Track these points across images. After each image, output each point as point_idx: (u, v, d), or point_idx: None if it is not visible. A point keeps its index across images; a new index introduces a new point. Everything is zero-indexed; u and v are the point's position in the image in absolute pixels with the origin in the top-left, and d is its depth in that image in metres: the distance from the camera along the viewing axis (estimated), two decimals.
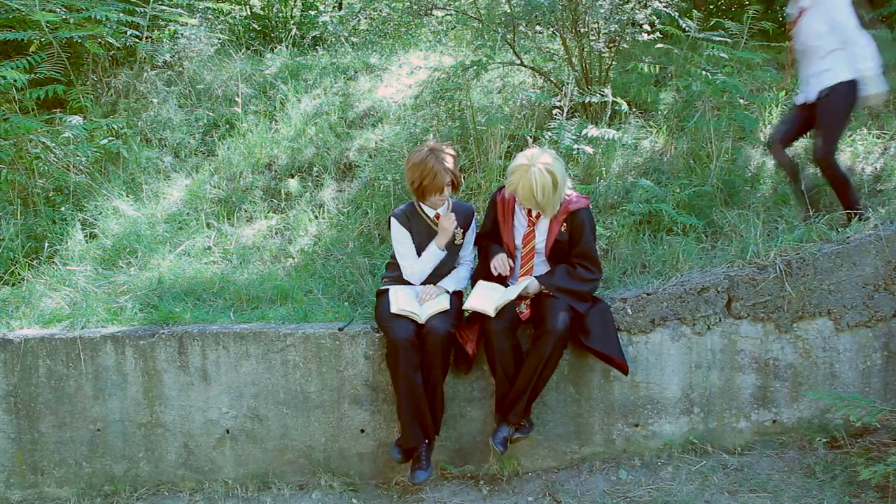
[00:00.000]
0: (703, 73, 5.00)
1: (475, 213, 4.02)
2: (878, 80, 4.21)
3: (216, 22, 7.43)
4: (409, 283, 3.88)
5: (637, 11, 5.69)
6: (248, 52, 7.03)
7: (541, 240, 3.78)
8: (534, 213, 3.75)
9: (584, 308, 3.69)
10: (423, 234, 3.87)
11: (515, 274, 3.84)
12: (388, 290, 3.82)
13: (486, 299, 3.65)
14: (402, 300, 3.71)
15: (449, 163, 3.71)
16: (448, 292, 3.83)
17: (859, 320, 4.03)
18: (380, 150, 5.71)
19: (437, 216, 3.85)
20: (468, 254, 4.00)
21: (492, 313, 3.61)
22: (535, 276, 3.75)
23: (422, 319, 3.64)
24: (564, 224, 3.73)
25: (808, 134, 4.61)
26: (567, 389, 3.96)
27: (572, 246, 3.74)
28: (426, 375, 3.64)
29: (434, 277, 3.90)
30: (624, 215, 4.62)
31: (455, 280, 3.91)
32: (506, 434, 3.65)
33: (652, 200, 4.59)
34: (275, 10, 7.95)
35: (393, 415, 3.85)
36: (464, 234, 3.90)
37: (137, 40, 6.02)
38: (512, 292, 3.67)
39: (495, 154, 5.13)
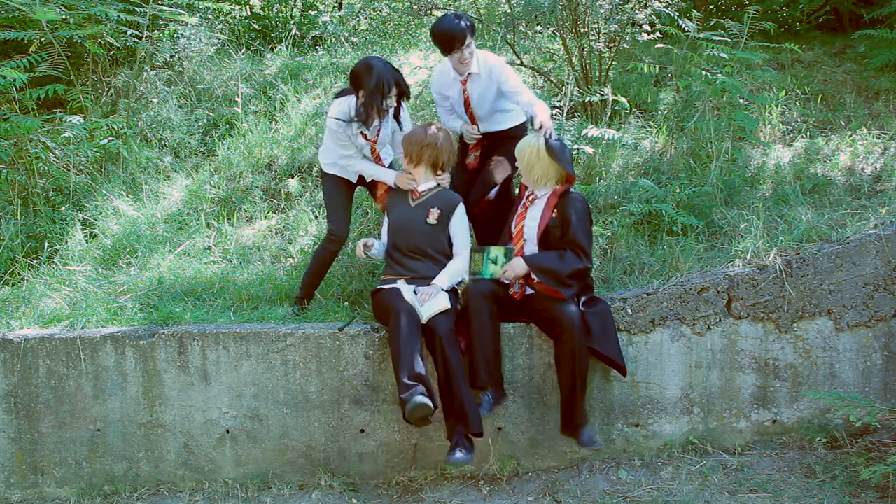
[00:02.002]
0: (703, 73, 5.00)
1: (461, 204, 4.02)
2: None
3: (216, 22, 7.40)
4: (404, 284, 3.84)
5: (637, 11, 5.68)
6: (248, 52, 7.02)
7: (531, 224, 3.79)
8: (527, 195, 3.82)
9: (569, 294, 3.68)
10: (400, 206, 4.02)
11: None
12: (382, 289, 3.85)
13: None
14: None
15: (453, 148, 4.07)
16: (445, 290, 3.83)
17: (859, 320, 4.03)
18: None
19: (415, 193, 4.02)
20: (462, 245, 3.99)
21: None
22: (523, 257, 3.76)
23: (423, 319, 3.66)
24: (556, 210, 3.74)
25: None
26: None
27: (563, 234, 3.74)
28: (443, 372, 3.63)
29: (427, 269, 3.90)
30: (624, 215, 4.61)
31: (450, 275, 3.91)
32: (488, 407, 3.74)
33: (652, 200, 4.59)
34: (275, 10, 7.92)
35: (393, 414, 3.85)
36: (440, 218, 3.94)
37: (137, 40, 6.01)
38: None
39: None
